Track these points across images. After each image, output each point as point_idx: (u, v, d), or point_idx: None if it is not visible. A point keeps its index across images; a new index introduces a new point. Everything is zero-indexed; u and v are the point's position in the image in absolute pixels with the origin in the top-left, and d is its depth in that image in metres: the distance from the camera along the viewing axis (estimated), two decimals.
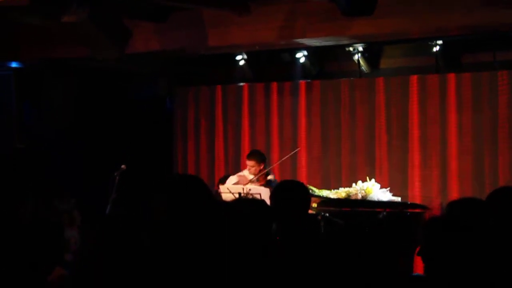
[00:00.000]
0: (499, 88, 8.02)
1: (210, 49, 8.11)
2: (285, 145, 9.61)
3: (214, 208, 3.31)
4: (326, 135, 9.33)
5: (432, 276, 3.15)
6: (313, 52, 9.09)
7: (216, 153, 10.16)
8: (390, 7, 6.70)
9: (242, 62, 9.53)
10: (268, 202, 4.04)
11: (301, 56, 9.17)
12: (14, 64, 9.28)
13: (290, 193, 4.11)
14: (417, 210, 7.92)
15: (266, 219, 3.48)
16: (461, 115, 8.27)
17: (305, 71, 9.46)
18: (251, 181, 8.02)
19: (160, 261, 3.03)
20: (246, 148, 9.78)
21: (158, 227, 3.16)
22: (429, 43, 8.29)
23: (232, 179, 8.28)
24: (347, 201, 8.10)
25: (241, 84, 9.97)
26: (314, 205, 7.74)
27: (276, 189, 4.26)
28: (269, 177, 8.25)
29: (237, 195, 7.42)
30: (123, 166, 7.43)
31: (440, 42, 8.21)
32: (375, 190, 8.21)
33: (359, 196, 8.14)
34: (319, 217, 6.81)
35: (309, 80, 9.51)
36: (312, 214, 7.09)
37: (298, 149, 9.10)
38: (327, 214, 6.97)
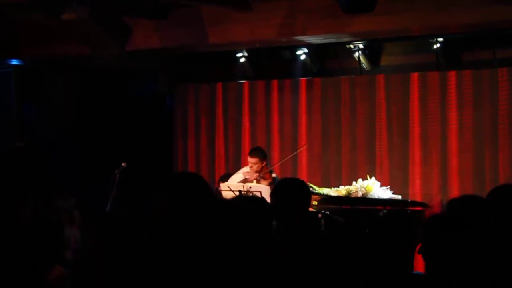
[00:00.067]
0: (499, 85, 8.02)
1: (210, 46, 8.10)
2: (286, 143, 9.62)
3: (214, 206, 3.30)
4: (327, 132, 9.32)
5: (433, 274, 3.14)
6: (313, 49, 9.09)
7: (216, 150, 10.16)
8: (390, 4, 6.69)
9: (242, 60, 9.52)
10: (268, 200, 4.04)
11: (301, 53, 9.17)
12: (14, 62, 9.27)
13: (290, 190, 4.10)
14: (417, 208, 7.91)
15: (266, 217, 3.48)
16: (462, 112, 8.27)
17: (305, 68, 9.46)
18: (257, 178, 8.03)
19: (160, 259, 3.03)
20: (246, 146, 9.78)
21: (158, 225, 3.16)
22: (430, 40, 8.28)
23: (237, 177, 8.25)
24: (347, 199, 8.10)
25: (242, 81, 9.97)
26: (315, 203, 7.74)
27: (276, 186, 4.26)
28: (273, 175, 8.26)
29: (237, 193, 7.41)
30: (123, 164, 7.43)
31: (440, 39, 8.20)
32: (375, 188, 8.21)
33: (360, 194, 8.14)
34: (320, 215, 6.81)
35: (309, 78, 9.51)
36: (312, 212, 7.10)
37: (305, 146, 9.10)
38: (328, 212, 6.97)
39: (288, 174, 8.78)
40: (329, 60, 9.62)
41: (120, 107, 10.41)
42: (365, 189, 8.15)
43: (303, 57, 9.23)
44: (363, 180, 8.36)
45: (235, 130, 10.03)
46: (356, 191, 8.16)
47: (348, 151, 9.12)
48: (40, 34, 8.46)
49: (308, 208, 4.28)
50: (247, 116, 9.91)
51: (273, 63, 9.84)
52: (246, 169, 8.43)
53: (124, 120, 10.39)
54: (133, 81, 10.63)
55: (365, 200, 8.10)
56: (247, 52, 9.39)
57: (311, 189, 7.76)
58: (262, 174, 8.11)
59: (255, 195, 6.88)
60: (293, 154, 8.98)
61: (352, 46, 8.76)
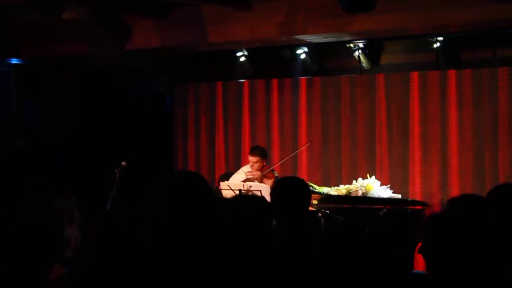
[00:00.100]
0: (499, 84, 8.01)
1: (210, 45, 8.10)
2: (286, 142, 9.62)
3: (214, 205, 3.30)
4: (327, 131, 9.32)
5: (434, 274, 3.14)
6: (313, 48, 9.09)
7: (216, 149, 10.16)
8: (390, 3, 6.69)
9: (242, 59, 9.52)
10: (268, 199, 4.04)
11: (301, 52, 9.17)
12: (14, 61, 9.27)
13: (290, 189, 4.10)
14: (417, 207, 7.91)
15: (266, 216, 3.48)
16: (462, 111, 8.27)
17: (305, 67, 9.46)
18: (260, 177, 8.03)
19: (160, 259, 3.03)
20: (246, 145, 9.78)
21: (158, 224, 3.16)
22: (430, 39, 8.28)
23: (238, 176, 8.22)
24: (347, 198, 8.10)
25: (242, 80, 9.96)
26: (315, 202, 7.73)
27: (276, 185, 4.26)
28: (276, 174, 8.26)
29: (237, 192, 7.41)
30: (123, 163, 7.43)
31: (440, 38, 8.20)
32: (375, 187, 8.21)
33: (360, 193, 8.14)
34: (320, 214, 6.82)
35: (309, 77, 9.51)
36: (312, 211, 7.10)
37: (308, 144, 9.09)
38: (328, 211, 6.98)
39: (288, 173, 8.77)
40: (329, 59, 9.62)
41: (120, 107, 10.41)
42: (365, 188, 8.15)
43: (303, 56, 9.23)
44: (363, 179, 8.36)
45: (235, 129, 10.03)
46: (356, 190, 8.16)
47: (348, 150, 9.12)
48: (40, 33, 8.46)
49: (308, 207, 4.28)
50: (247, 115, 9.91)
51: (273, 62, 9.84)
52: (246, 168, 8.42)
53: (124, 120, 10.39)
54: (133, 80, 10.63)
55: (365, 199, 8.10)
56: (247, 51, 9.39)
57: (311, 188, 7.77)
58: (264, 173, 8.11)
59: (255, 194, 6.88)
60: (295, 152, 8.98)
61: (352, 45, 8.76)
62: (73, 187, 9.67)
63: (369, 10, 6.13)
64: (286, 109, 9.64)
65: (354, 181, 8.38)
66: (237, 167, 8.93)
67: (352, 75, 9.19)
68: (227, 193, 7.59)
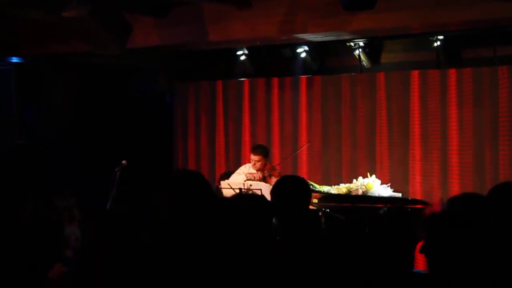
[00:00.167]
0: (499, 83, 8.00)
1: (210, 44, 8.09)
2: (286, 141, 9.62)
3: (214, 204, 3.30)
4: (327, 130, 9.32)
5: (435, 273, 3.14)
6: (314, 47, 9.08)
7: (216, 148, 10.17)
8: (391, 2, 6.68)
9: (243, 57, 9.52)
10: (269, 198, 4.03)
11: (302, 51, 9.17)
12: (14, 60, 9.27)
13: (290, 188, 4.10)
14: (418, 206, 7.91)
15: (266, 215, 3.48)
16: (462, 110, 8.25)
17: (306, 66, 9.45)
18: (264, 177, 8.02)
19: (160, 258, 3.03)
20: (247, 144, 9.79)
21: (158, 223, 3.16)
22: (430, 38, 8.28)
23: (237, 177, 8.20)
24: (347, 196, 8.11)
25: (242, 79, 9.96)
26: (315, 200, 7.74)
27: (276, 184, 4.25)
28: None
29: (238, 191, 7.40)
30: (123, 162, 7.42)
31: (441, 37, 8.20)
32: (375, 186, 8.22)
33: (360, 192, 8.15)
34: (320, 213, 6.82)
35: (310, 75, 9.50)
36: (313, 210, 7.10)
37: (308, 143, 9.09)
38: (328, 210, 6.98)
39: (289, 172, 8.77)
40: (329, 58, 9.61)
41: (120, 105, 10.41)
42: (366, 187, 8.16)
43: (303, 55, 9.23)
44: (363, 178, 8.37)
45: (235, 128, 10.03)
46: (357, 189, 8.16)
47: (349, 149, 9.12)
48: (40, 32, 8.46)
49: (308, 206, 4.27)
50: (248, 114, 9.91)
51: (273, 61, 9.83)
52: (246, 168, 8.42)
53: (124, 118, 10.39)
54: (133, 79, 10.63)
55: (366, 198, 8.10)
56: (247, 49, 9.39)
57: (311, 187, 7.77)
58: (268, 172, 8.10)
59: (255, 193, 6.88)
60: (295, 153, 8.97)
61: (352, 44, 8.76)
62: (73, 186, 9.72)
63: (370, 8, 6.12)
64: (287, 108, 9.64)
65: (354, 180, 8.39)
66: (238, 166, 8.93)
67: (352, 73, 9.19)
68: (227, 192, 7.59)
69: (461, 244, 3.10)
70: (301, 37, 7.63)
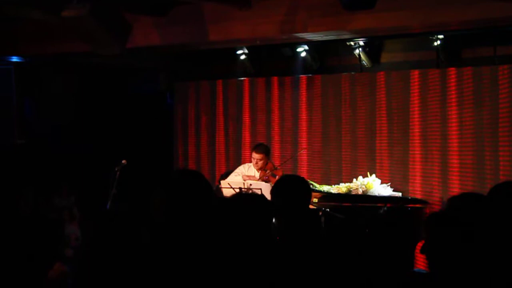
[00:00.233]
0: (499, 82, 8.00)
1: (210, 43, 8.09)
2: (286, 140, 9.62)
3: (214, 203, 3.30)
4: (327, 130, 9.32)
5: (436, 272, 3.14)
6: (314, 46, 9.08)
7: (217, 147, 10.17)
8: (391, 2, 6.68)
9: (243, 57, 9.52)
10: (268, 197, 4.03)
11: (302, 50, 9.16)
12: (14, 59, 9.27)
13: (290, 188, 4.10)
14: (417, 205, 7.91)
15: (266, 214, 3.48)
16: (462, 109, 8.25)
17: (306, 65, 9.45)
18: (266, 176, 8.02)
19: (159, 257, 3.03)
20: (247, 143, 9.79)
21: (158, 222, 3.16)
22: (430, 37, 8.28)
23: (235, 178, 8.19)
24: (347, 196, 8.11)
25: (242, 78, 9.97)
26: (315, 200, 7.74)
27: (276, 184, 4.25)
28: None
29: (238, 190, 7.40)
30: (123, 161, 7.42)
31: (441, 36, 8.19)
32: (375, 185, 8.22)
33: (360, 191, 8.15)
34: (320, 212, 6.81)
35: (310, 75, 9.50)
36: (313, 209, 7.10)
37: (305, 149, 9.08)
38: (328, 209, 6.98)
39: (289, 171, 8.77)
40: (329, 57, 9.61)
41: (120, 105, 10.42)
42: (366, 187, 8.16)
43: (303, 54, 9.23)
44: (363, 177, 8.37)
45: (235, 127, 10.03)
46: (357, 188, 8.16)
47: (349, 148, 9.12)
48: (41, 31, 8.47)
49: (308, 206, 4.27)
50: (248, 114, 9.91)
51: (273, 61, 9.84)
52: (244, 168, 8.42)
53: (124, 118, 10.39)
54: (133, 79, 10.63)
55: (366, 198, 8.10)
56: (247, 49, 9.39)
57: (311, 186, 7.77)
58: (271, 171, 8.10)
59: (254, 192, 6.88)
60: (293, 157, 8.94)
61: (352, 43, 8.76)
62: (73, 185, 9.72)
63: (370, 8, 6.12)
64: (287, 107, 9.64)
65: (354, 179, 8.39)
66: (238, 165, 8.93)
67: (352, 73, 9.19)
68: (227, 192, 7.59)
69: (461, 244, 3.10)
70: (301, 36, 7.63)
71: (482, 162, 8.06)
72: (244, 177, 8.14)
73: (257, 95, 9.86)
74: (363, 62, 9.03)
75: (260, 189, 7.19)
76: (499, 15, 6.49)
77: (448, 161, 8.30)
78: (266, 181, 7.94)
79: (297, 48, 9.14)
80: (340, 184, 8.44)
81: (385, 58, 9.18)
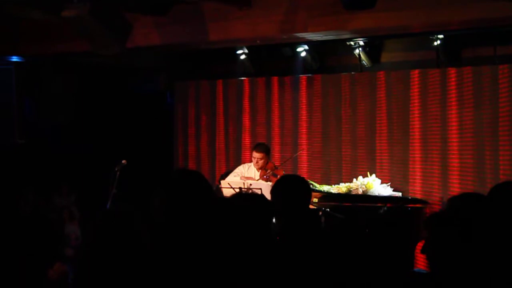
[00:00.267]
0: (499, 82, 7.99)
1: (210, 43, 8.09)
2: (286, 140, 9.62)
3: (213, 203, 3.30)
4: (327, 129, 9.32)
5: (436, 272, 3.14)
6: (314, 46, 9.08)
7: (217, 147, 10.17)
8: (391, 1, 6.69)
9: (243, 57, 9.52)
10: (268, 197, 4.03)
11: (302, 50, 9.16)
12: (14, 58, 9.27)
13: (290, 188, 4.10)
14: (417, 205, 7.91)
15: (265, 214, 3.48)
16: (462, 109, 8.25)
17: (306, 65, 9.45)
18: (267, 175, 8.02)
19: (159, 257, 3.03)
20: (247, 142, 9.79)
21: (158, 222, 3.16)
22: (430, 37, 8.28)
23: (234, 178, 8.19)
24: (347, 196, 8.11)
25: (242, 78, 9.96)
26: (315, 200, 7.74)
27: (276, 184, 4.26)
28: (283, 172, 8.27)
29: (238, 190, 7.40)
30: (123, 161, 7.42)
31: (441, 36, 8.19)
32: (375, 185, 8.22)
33: (360, 191, 8.14)
34: (320, 212, 6.81)
35: (310, 75, 9.50)
36: (313, 209, 7.10)
37: (303, 150, 9.06)
38: (328, 209, 6.98)
39: (289, 171, 8.77)
40: (329, 57, 9.61)
41: (120, 104, 10.42)
42: (366, 186, 8.15)
43: (303, 54, 9.22)
44: (363, 177, 8.37)
45: (235, 127, 10.03)
46: (357, 188, 8.16)
47: (349, 148, 9.13)
48: (41, 31, 8.47)
49: (308, 206, 4.27)
50: (248, 113, 9.91)
51: (273, 60, 9.84)
52: (243, 168, 8.41)
53: (124, 117, 10.39)
54: (133, 78, 10.63)
55: (366, 197, 8.10)
56: (247, 49, 9.39)
57: (311, 186, 7.77)
58: (272, 171, 8.10)
59: (254, 192, 6.88)
60: (289, 158, 8.92)
61: (352, 43, 8.75)
62: (74, 185, 9.72)
63: (370, 8, 6.12)
64: (287, 107, 9.64)
65: (354, 179, 8.39)
66: (238, 165, 8.93)
67: (352, 73, 9.19)
68: (227, 192, 7.59)
69: (462, 243, 3.10)
70: (301, 36, 7.63)
71: (482, 162, 8.06)
72: (243, 179, 8.15)
73: (257, 95, 9.86)
74: (363, 62, 9.03)
75: (260, 189, 7.19)
76: (499, 15, 6.49)
77: (448, 161, 8.30)
78: (267, 181, 7.94)
79: (297, 48, 9.13)
80: (340, 184, 8.44)
81: (385, 58, 9.19)
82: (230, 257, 3.10)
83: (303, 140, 9.45)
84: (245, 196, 3.75)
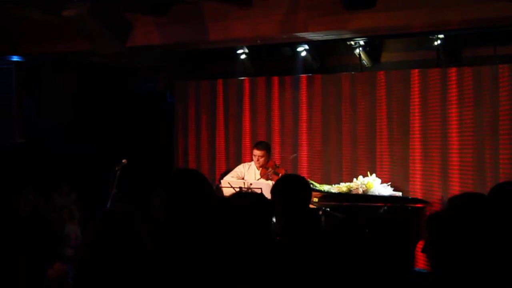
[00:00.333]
0: (499, 82, 7.99)
1: (211, 43, 8.09)
2: (286, 139, 9.62)
3: (213, 202, 3.30)
4: (327, 129, 9.32)
5: (436, 272, 3.14)
6: (314, 46, 9.08)
7: (217, 147, 10.17)
8: (391, 1, 6.68)
9: (243, 56, 9.52)
10: (269, 196, 4.03)
11: (302, 50, 9.16)
12: (15, 58, 9.27)
13: (291, 187, 4.10)
14: (418, 205, 7.91)
15: (265, 214, 3.48)
16: (462, 109, 8.24)
17: (306, 65, 9.45)
18: (268, 174, 8.02)
19: (159, 257, 3.03)
20: (247, 142, 9.79)
21: (157, 222, 3.16)
22: (430, 37, 8.28)
23: (231, 178, 8.18)
24: (348, 195, 8.11)
25: (242, 78, 9.96)
26: (315, 199, 7.74)
27: (277, 183, 4.26)
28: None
29: (238, 189, 7.40)
30: (124, 161, 7.43)
31: (441, 36, 8.19)
32: (376, 185, 8.22)
33: (360, 191, 8.14)
34: (320, 212, 6.82)
35: (310, 74, 9.50)
36: (313, 209, 7.10)
37: (295, 155, 9.04)
38: (328, 209, 6.98)
39: (289, 171, 8.77)
40: (329, 56, 9.61)
41: (120, 104, 10.42)
42: (366, 186, 8.15)
43: (303, 53, 9.22)
44: (363, 176, 8.37)
45: (235, 127, 10.03)
46: (357, 188, 8.16)
47: (349, 148, 9.12)
48: (41, 31, 8.46)
49: (308, 205, 4.27)
50: (248, 113, 9.91)
51: (273, 60, 9.83)
52: (243, 168, 8.41)
53: (124, 117, 10.39)
54: (134, 78, 10.63)
55: (366, 197, 8.10)
56: (247, 48, 9.39)
57: (311, 186, 7.77)
58: (273, 170, 8.09)
59: (254, 191, 6.87)
60: (279, 165, 8.90)
61: (353, 42, 8.75)
62: (74, 185, 9.72)
63: (370, 7, 6.12)
64: (287, 107, 9.64)
65: (354, 179, 8.39)
66: (238, 164, 8.93)
67: (352, 72, 9.19)
68: (227, 191, 7.59)
69: (462, 243, 3.10)
70: (301, 36, 7.62)
71: (482, 162, 8.05)
72: (239, 177, 8.16)
73: (257, 95, 9.86)
74: (364, 61, 9.03)
75: (261, 188, 7.20)
76: (499, 15, 6.49)
77: (448, 160, 8.29)
78: (268, 179, 7.94)
79: (297, 47, 9.13)
80: (341, 183, 8.44)
81: (385, 57, 9.18)
82: (230, 257, 3.10)
83: (303, 139, 9.45)
84: (245, 196, 3.74)
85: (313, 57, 9.38)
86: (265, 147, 8.32)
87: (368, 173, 8.47)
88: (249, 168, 8.38)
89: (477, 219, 3.43)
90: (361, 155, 9.01)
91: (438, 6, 6.65)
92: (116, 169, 7.33)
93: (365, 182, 8.20)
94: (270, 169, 8.13)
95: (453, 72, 8.30)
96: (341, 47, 9.08)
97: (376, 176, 8.41)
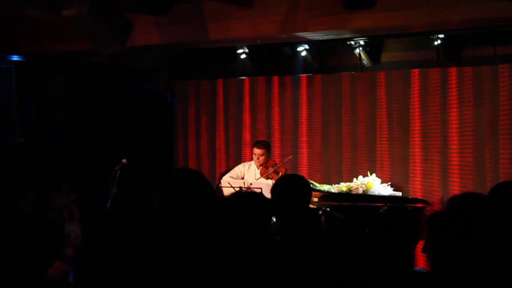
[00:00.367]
0: (499, 82, 7.99)
1: (211, 42, 8.09)
2: (286, 139, 9.62)
3: (213, 202, 3.30)
4: (327, 129, 9.32)
5: (437, 272, 3.14)
6: (314, 45, 9.08)
7: (217, 146, 10.17)
8: (391, 1, 6.68)
9: (243, 56, 9.52)
10: (269, 196, 4.03)
11: (302, 49, 9.16)
12: (15, 58, 9.27)
13: (291, 187, 4.10)
14: (418, 205, 7.91)
15: (265, 213, 3.48)
16: (462, 109, 8.24)
17: (306, 64, 9.45)
18: (269, 172, 8.02)
19: (159, 256, 3.03)
20: (247, 142, 9.79)
21: (157, 222, 3.16)
22: (431, 37, 8.28)
23: (230, 178, 8.18)
24: (347, 195, 8.10)
25: (242, 77, 9.96)
26: (315, 199, 7.73)
27: (277, 183, 4.26)
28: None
29: (238, 189, 7.40)
30: (124, 160, 7.42)
31: (441, 36, 8.19)
32: (376, 185, 8.22)
33: (360, 191, 8.14)
34: (320, 212, 6.81)
35: (310, 74, 9.50)
36: (313, 209, 7.10)
37: (291, 156, 9.02)
38: (328, 209, 6.98)
39: (289, 171, 8.77)
40: (330, 56, 9.61)
41: (120, 104, 10.42)
42: (366, 186, 8.15)
43: (304, 53, 9.22)
44: (363, 176, 8.36)
45: (235, 126, 10.03)
46: (357, 188, 8.16)
47: (349, 148, 9.12)
48: (41, 30, 8.46)
49: (308, 205, 4.27)
50: (248, 113, 9.91)
51: (273, 60, 9.83)
52: (243, 167, 8.41)
53: (125, 117, 10.39)
54: (134, 77, 10.63)
55: (366, 197, 8.10)
56: (247, 48, 9.39)
57: (311, 186, 7.77)
58: (274, 169, 8.09)
59: (254, 191, 6.87)
60: (279, 164, 8.89)
61: (353, 42, 8.75)
62: (74, 185, 9.72)
63: (370, 7, 6.12)
64: (287, 106, 9.64)
65: (354, 179, 8.39)
66: (238, 164, 8.92)
67: (352, 72, 9.18)
68: (228, 191, 7.59)
69: (462, 243, 3.10)
70: (301, 35, 7.62)
71: (483, 161, 8.05)
72: (239, 177, 8.17)
73: (258, 94, 9.86)
74: (364, 61, 9.03)
75: (261, 188, 7.19)
76: (499, 15, 6.49)
77: (448, 160, 8.29)
78: (268, 178, 7.94)
79: (297, 47, 9.13)
80: (341, 183, 8.43)
81: (385, 57, 9.18)
82: (230, 257, 3.10)
83: (303, 139, 9.45)
84: (245, 195, 3.74)
85: (313, 57, 9.38)
86: (265, 145, 8.32)
87: (368, 173, 8.47)
88: (249, 167, 8.38)
89: (477, 219, 3.43)
90: (361, 155, 9.01)
91: (438, 6, 6.65)
92: (116, 169, 7.33)
93: (365, 182, 8.20)
94: (270, 168, 8.12)
95: (453, 72, 8.30)
96: (341, 47, 9.08)
97: (376, 176, 8.41)
